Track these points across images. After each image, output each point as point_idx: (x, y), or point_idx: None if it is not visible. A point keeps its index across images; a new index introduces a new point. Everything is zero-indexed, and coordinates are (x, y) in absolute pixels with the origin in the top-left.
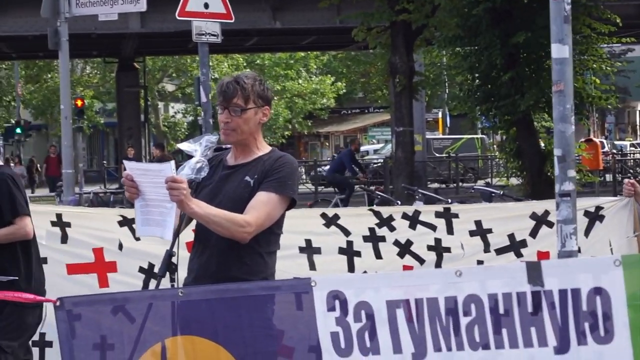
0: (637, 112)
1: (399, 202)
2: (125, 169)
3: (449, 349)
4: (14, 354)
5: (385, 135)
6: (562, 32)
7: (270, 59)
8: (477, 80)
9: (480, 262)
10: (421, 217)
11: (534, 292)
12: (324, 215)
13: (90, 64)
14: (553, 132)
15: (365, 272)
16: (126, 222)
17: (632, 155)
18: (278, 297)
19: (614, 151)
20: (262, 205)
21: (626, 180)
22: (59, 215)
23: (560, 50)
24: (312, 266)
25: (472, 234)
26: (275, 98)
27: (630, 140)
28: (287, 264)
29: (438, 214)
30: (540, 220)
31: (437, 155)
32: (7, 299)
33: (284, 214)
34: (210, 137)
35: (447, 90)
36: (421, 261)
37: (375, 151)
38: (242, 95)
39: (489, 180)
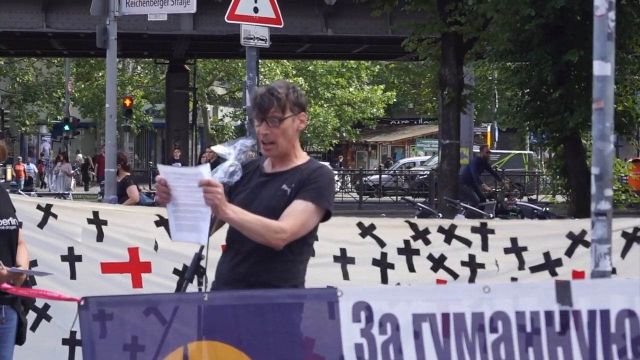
0: None
1: (441, 215)
2: (159, 174)
3: None
4: None
5: (433, 148)
6: (605, 50)
7: (322, 66)
8: (527, 96)
9: (514, 280)
10: (457, 232)
11: (562, 311)
12: (360, 225)
13: (141, 64)
14: None
15: (398, 284)
16: (163, 222)
17: None
18: (304, 305)
19: None
20: (299, 213)
21: None
22: (95, 213)
23: (603, 68)
24: (346, 276)
25: (506, 251)
26: (325, 106)
27: None
28: (321, 272)
29: (474, 229)
30: (577, 239)
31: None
32: (32, 296)
33: (317, 224)
34: (245, 141)
35: (496, 104)
36: (455, 276)
37: (422, 163)
38: (278, 106)
39: (534, 196)
